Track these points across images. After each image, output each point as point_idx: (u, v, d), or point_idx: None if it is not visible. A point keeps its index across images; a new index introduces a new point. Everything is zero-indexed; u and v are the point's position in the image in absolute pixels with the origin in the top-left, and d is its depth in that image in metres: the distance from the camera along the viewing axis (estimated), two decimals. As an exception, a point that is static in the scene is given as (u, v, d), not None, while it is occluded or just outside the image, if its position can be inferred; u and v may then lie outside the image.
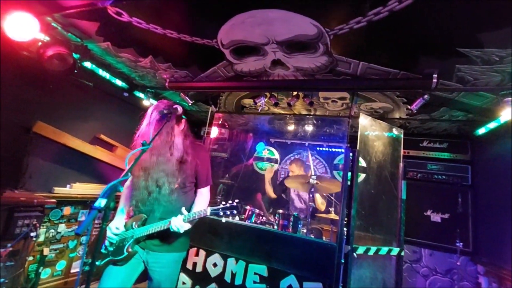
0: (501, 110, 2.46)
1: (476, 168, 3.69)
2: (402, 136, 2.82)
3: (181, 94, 3.49)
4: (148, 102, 3.61)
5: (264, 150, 5.26)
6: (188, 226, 1.64)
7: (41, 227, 2.65)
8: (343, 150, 4.64)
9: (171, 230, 1.62)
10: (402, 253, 2.53)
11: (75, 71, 2.67)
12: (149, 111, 1.76)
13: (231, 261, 2.57)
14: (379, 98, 3.04)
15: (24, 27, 2.16)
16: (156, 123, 1.67)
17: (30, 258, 2.60)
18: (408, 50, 2.09)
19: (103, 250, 1.75)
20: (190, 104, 3.69)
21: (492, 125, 3.04)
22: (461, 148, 3.82)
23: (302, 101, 3.13)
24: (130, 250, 1.69)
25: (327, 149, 4.93)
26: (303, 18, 1.84)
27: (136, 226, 1.71)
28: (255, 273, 2.46)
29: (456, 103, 2.83)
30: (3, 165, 2.56)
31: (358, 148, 2.43)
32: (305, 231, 3.05)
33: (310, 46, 2.19)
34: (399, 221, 2.60)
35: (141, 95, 3.72)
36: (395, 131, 2.81)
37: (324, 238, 3.37)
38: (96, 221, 3.20)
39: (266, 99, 3.22)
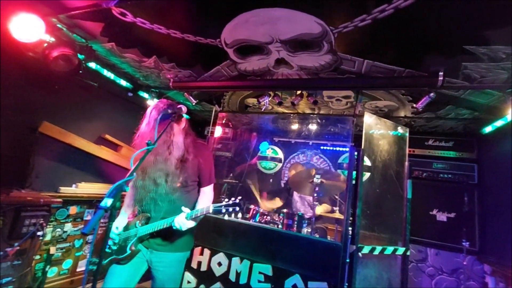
0: (508, 108, 2.43)
1: (482, 166, 3.64)
2: (407, 134, 2.79)
3: (185, 93, 3.50)
4: (152, 102, 3.62)
5: (268, 149, 5.25)
6: (190, 224, 1.64)
7: (48, 226, 2.68)
8: (347, 149, 4.68)
9: (174, 228, 1.62)
10: (408, 253, 2.51)
11: (80, 71, 2.69)
12: (148, 110, 1.76)
13: (235, 260, 2.57)
14: (384, 96, 3.02)
15: (30, 28, 2.18)
16: (160, 123, 1.67)
17: (37, 257, 2.63)
18: (414, 48, 2.07)
19: (107, 249, 1.76)
20: (194, 104, 3.70)
21: (499, 123, 3.01)
22: (467, 147, 3.77)
23: (306, 100, 3.12)
24: (133, 248, 1.70)
25: (331, 148, 4.91)
26: (307, 16, 1.83)
27: (140, 225, 1.72)
28: (260, 273, 2.46)
29: (462, 101, 2.80)
30: (10, 165, 2.59)
31: (363, 147, 2.41)
32: (309, 230, 3.04)
33: (314, 45, 2.17)
34: (404, 220, 2.58)
35: (145, 95, 3.74)
36: (400, 130, 2.78)
37: (328, 237, 3.36)
38: (102, 221, 3.22)
39: (270, 98, 3.21)
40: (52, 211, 2.68)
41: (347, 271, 2.19)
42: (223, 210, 1.59)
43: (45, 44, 2.47)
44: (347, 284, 2.17)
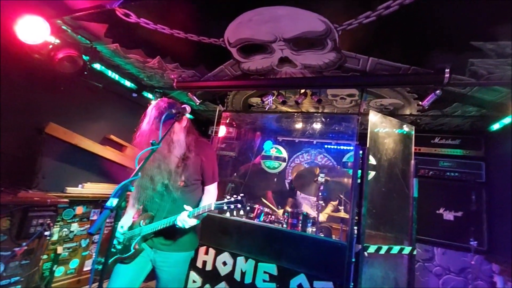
0: (517, 105, 2.38)
1: (490, 164, 3.59)
2: (413, 132, 2.76)
3: (189, 93, 3.51)
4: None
5: (272, 149, 5.24)
6: (193, 222, 1.63)
7: (55, 226, 2.71)
8: (351, 148, 4.65)
9: (177, 226, 1.62)
10: (414, 252, 2.48)
11: (85, 72, 2.72)
12: (149, 109, 1.76)
13: (240, 259, 2.57)
14: (389, 94, 2.99)
15: (35, 31, 2.20)
16: (164, 123, 1.67)
17: (45, 256, 2.66)
18: (419, 45, 2.04)
19: (111, 249, 1.77)
20: (197, 104, 3.71)
21: (506, 120, 2.96)
22: (474, 144, 3.72)
23: (310, 99, 3.10)
24: (137, 247, 1.71)
25: (335, 147, 4.88)
26: (310, 14, 1.82)
27: (144, 224, 1.73)
28: (265, 272, 2.45)
29: (469, 98, 2.75)
30: (17, 165, 2.63)
31: (368, 145, 2.39)
32: (314, 229, 3.02)
33: (318, 43, 2.16)
34: (411, 220, 2.55)
35: (149, 95, 3.76)
36: (405, 128, 2.75)
37: (333, 236, 3.34)
38: (108, 220, 3.25)
39: (273, 98, 3.20)
40: (58, 211, 2.71)
41: (352, 270, 2.17)
42: (225, 207, 1.58)
43: (50, 46, 2.50)
44: (353, 283, 2.15)
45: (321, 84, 2.84)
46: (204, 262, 2.71)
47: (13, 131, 2.57)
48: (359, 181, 2.35)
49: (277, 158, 5.20)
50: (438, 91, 2.41)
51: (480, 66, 2.14)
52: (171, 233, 1.73)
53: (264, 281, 2.43)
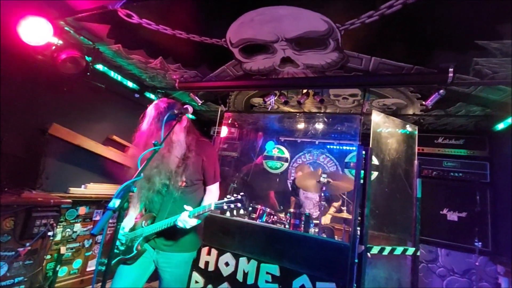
0: (522, 104, 2.35)
1: (495, 164, 3.55)
2: (416, 132, 2.74)
3: (191, 94, 3.51)
4: (158, 103, 3.64)
5: (274, 149, 5.23)
6: (194, 222, 1.62)
7: (58, 226, 2.72)
8: (354, 148, 4.62)
9: (178, 227, 1.62)
10: (418, 253, 2.46)
11: (88, 73, 2.72)
12: (149, 109, 1.75)
13: (243, 260, 2.57)
14: (392, 94, 2.97)
15: (38, 32, 2.21)
16: (166, 123, 1.66)
17: (48, 256, 2.68)
18: (423, 44, 2.03)
19: (114, 250, 1.77)
20: (199, 104, 3.71)
21: (511, 120, 2.92)
22: (478, 144, 3.68)
23: (312, 99, 3.09)
24: (139, 248, 1.71)
25: (338, 147, 4.86)
26: (313, 14, 1.81)
27: (145, 225, 1.74)
28: (267, 273, 2.45)
29: (473, 98, 2.72)
30: (21, 166, 2.64)
31: (370, 145, 2.38)
32: (317, 230, 3.01)
33: (320, 43, 2.15)
34: (414, 220, 2.54)
35: (151, 96, 3.77)
36: (409, 128, 2.73)
37: (336, 237, 3.33)
38: (110, 221, 3.26)
39: (275, 98, 3.19)
40: (62, 211, 2.73)
41: (355, 271, 2.16)
42: (225, 207, 1.57)
43: (53, 47, 2.51)
44: (355, 284, 2.14)
45: (323, 84, 2.83)
46: (207, 263, 2.71)
47: (16, 132, 2.59)
48: (362, 181, 2.34)
49: (279, 159, 5.19)
50: (441, 91, 2.39)
51: (485, 65, 2.12)
52: (173, 234, 1.73)
53: (267, 282, 2.43)
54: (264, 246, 2.54)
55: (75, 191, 3.09)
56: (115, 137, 3.67)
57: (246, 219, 2.97)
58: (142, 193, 1.75)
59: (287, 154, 5.19)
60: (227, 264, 2.63)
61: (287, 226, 3.00)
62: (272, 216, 3.16)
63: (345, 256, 2.21)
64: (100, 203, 3.25)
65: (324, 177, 3.15)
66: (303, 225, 2.90)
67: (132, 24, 2.20)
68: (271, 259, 2.47)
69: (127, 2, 1.94)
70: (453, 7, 1.61)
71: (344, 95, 3.18)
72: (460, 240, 3.45)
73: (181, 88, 3.34)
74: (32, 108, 2.74)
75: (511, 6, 1.53)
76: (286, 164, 5.14)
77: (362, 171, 2.35)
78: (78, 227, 3.05)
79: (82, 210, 3.09)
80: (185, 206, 1.65)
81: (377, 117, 2.50)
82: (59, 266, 2.78)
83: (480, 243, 3.18)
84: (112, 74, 3.26)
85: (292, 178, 4.94)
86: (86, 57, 2.65)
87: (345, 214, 3.32)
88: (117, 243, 1.77)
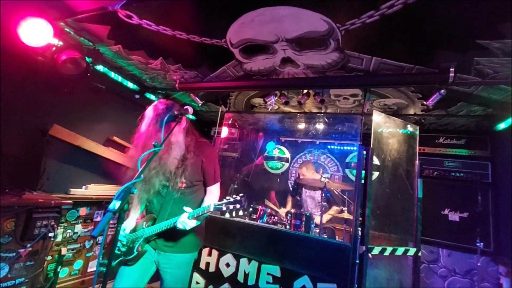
0: (524, 104, 2.34)
1: (496, 164, 3.54)
2: (417, 132, 2.74)
3: (191, 94, 3.51)
4: (158, 103, 3.64)
5: (274, 149, 5.23)
6: (193, 223, 1.62)
7: (59, 227, 2.73)
8: (355, 148, 4.62)
9: (178, 228, 1.62)
10: (419, 253, 2.46)
11: (88, 74, 2.72)
12: (147, 111, 1.75)
13: (243, 261, 2.56)
14: (393, 94, 2.96)
15: (38, 33, 2.21)
16: (166, 125, 1.66)
17: (49, 257, 2.68)
18: (423, 44, 2.02)
19: (116, 251, 1.77)
20: (200, 105, 3.71)
21: (513, 119, 2.92)
22: (480, 144, 3.67)
23: (313, 99, 3.08)
24: (140, 249, 1.71)
25: (338, 147, 4.85)
26: (313, 14, 1.81)
27: (146, 226, 1.74)
28: (268, 274, 2.44)
29: (474, 98, 2.71)
30: (22, 167, 2.65)
31: (371, 145, 2.37)
32: (317, 231, 3.00)
33: (320, 43, 2.14)
34: (415, 221, 2.53)
35: (152, 96, 3.77)
36: (410, 128, 2.73)
37: (337, 237, 3.32)
38: (111, 222, 3.26)
39: (276, 98, 3.19)
40: (62, 212, 2.72)
41: (356, 272, 2.15)
42: (224, 208, 1.58)
43: (54, 48, 2.51)
44: (357, 285, 2.13)
45: (324, 84, 2.82)
46: (208, 264, 2.71)
47: (17, 133, 2.59)
48: (363, 181, 2.33)
49: (280, 159, 5.19)
50: (442, 91, 2.38)
51: (486, 65, 2.11)
52: (174, 235, 1.73)
53: (268, 282, 2.42)
54: (265, 247, 2.54)
55: (76, 192, 3.09)
56: (115, 138, 3.67)
57: (246, 220, 2.96)
58: (142, 194, 1.75)
59: (287, 155, 5.19)
60: (228, 265, 2.62)
61: (288, 226, 2.99)
62: (272, 217, 3.16)
63: (346, 257, 2.20)
64: (101, 203, 3.25)
65: (325, 177, 3.15)
66: (304, 226, 2.89)
67: (132, 25, 2.20)
68: (272, 260, 2.47)
69: (127, 3, 1.94)
70: (453, 7, 1.60)
71: (344, 95, 3.18)
72: (461, 240, 3.44)
73: (181, 89, 3.34)
74: (33, 109, 2.74)
75: (513, 5, 1.52)
76: (286, 165, 5.13)
77: (363, 171, 2.35)
78: (79, 228, 3.05)
79: (83, 211, 3.09)
80: (185, 208, 1.64)
81: (378, 117, 2.49)
82: (60, 267, 2.78)
83: (481, 244, 3.17)
84: (113, 75, 3.26)
85: (293, 177, 4.94)
86: (87, 58, 2.65)
87: (346, 215, 3.31)
88: (118, 244, 1.77)
